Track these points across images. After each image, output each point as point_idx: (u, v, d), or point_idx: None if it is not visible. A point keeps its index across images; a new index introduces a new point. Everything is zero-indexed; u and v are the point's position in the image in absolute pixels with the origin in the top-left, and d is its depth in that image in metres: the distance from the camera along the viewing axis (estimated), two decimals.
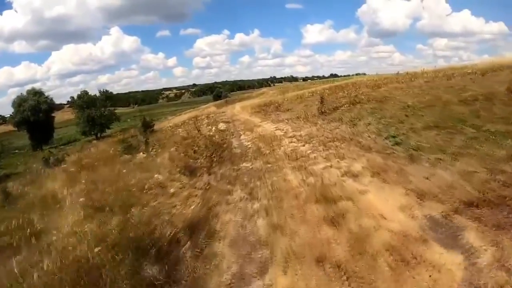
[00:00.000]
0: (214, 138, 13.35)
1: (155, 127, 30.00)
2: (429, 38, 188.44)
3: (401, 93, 16.09)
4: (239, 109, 30.98)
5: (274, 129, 13.59)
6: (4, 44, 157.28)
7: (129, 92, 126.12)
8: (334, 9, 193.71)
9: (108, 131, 53.69)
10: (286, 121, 14.68)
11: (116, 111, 62.10)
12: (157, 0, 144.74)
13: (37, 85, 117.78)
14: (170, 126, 25.90)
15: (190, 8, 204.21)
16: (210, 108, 41.95)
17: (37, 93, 52.81)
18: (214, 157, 9.92)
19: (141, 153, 11.88)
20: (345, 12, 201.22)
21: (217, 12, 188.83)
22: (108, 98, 56.34)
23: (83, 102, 53.87)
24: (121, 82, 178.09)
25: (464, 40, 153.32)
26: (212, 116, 27.26)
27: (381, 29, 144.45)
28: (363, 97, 16.39)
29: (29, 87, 53.90)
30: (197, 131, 14.38)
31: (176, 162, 9.42)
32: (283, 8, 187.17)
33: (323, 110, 14.25)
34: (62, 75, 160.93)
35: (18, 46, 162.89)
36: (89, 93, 55.75)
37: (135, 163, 10.92)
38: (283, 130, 12.82)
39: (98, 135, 51.57)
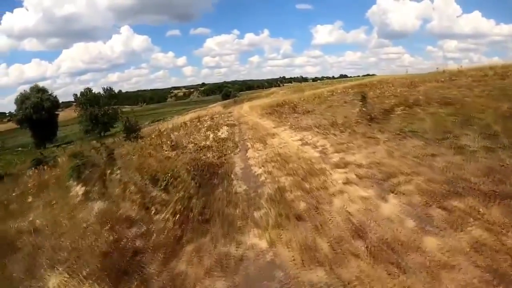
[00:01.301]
0: (207, 155, 8.22)
1: (154, 128, 25.29)
2: (439, 39, 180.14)
3: (459, 94, 10.91)
4: (247, 109, 25.81)
5: (299, 142, 8.34)
6: (15, 41, 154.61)
7: (138, 91, 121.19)
8: (343, 10, 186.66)
9: (112, 130, 49.41)
10: (316, 129, 9.33)
11: (124, 109, 58.27)
12: (167, 0, 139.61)
13: (47, 83, 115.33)
14: (164, 130, 20.87)
15: (200, 7, 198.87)
16: (216, 107, 36.80)
17: (40, 91, 48.69)
18: (192, 210, 4.69)
19: (78, 187, 6.74)
20: (355, 13, 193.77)
21: (227, 12, 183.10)
22: (112, 96, 51.76)
23: (86, 100, 49.43)
24: (131, 81, 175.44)
25: (474, 42, 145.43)
26: (216, 117, 22.16)
27: (391, 30, 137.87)
28: (420, 97, 11.20)
29: (39, 84, 50.04)
30: (170, 148, 9.24)
31: (109, 228, 4.19)
32: (293, 8, 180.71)
33: (372, 115, 8.93)
34: (72, 73, 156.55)
35: (29, 44, 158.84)
36: (93, 91, 51.26)
37: (61, 210, 5.90)
38: (315, 145, 7.54)
39: (102, 134, 47.16)
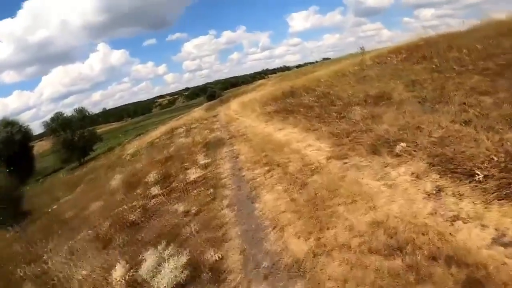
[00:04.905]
0: None
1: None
2: (414, 9, 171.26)
3: None
4: (237, 109, 17.15)
5: None
6: None
7: (121, 106, 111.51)
8: None
9: (92, 154, 40.71)
10: None
11: (110, 127, 49.60)
12: (139, 11, 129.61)
13: (32, 112, 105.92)
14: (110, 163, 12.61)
15: (173, 13, 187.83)
16: (197, 112, 28.17)
17: (9, 124, 39.34)
18: None
19: None
20: None
21: (201, 13, 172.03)
22: (84, 117, 42.59)
23: (58, 125, 40.31)
24: (114, 97, 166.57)
25: (450, 8, 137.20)
26: (194, 129, 13.86)
27: (366, 8, 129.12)
28: None
29: (24, 115, 40.80)
30: None
31: None
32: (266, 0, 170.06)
33: None
34: (54, 98, 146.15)
35: (8, 76, 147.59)
36: (65, 115, 41.88)
37: None
38: None
39: (81, 160, 38.45)
